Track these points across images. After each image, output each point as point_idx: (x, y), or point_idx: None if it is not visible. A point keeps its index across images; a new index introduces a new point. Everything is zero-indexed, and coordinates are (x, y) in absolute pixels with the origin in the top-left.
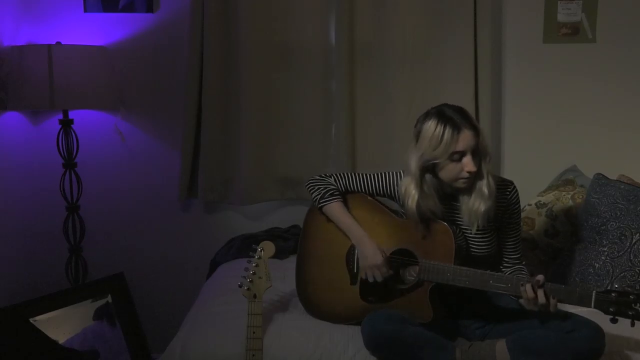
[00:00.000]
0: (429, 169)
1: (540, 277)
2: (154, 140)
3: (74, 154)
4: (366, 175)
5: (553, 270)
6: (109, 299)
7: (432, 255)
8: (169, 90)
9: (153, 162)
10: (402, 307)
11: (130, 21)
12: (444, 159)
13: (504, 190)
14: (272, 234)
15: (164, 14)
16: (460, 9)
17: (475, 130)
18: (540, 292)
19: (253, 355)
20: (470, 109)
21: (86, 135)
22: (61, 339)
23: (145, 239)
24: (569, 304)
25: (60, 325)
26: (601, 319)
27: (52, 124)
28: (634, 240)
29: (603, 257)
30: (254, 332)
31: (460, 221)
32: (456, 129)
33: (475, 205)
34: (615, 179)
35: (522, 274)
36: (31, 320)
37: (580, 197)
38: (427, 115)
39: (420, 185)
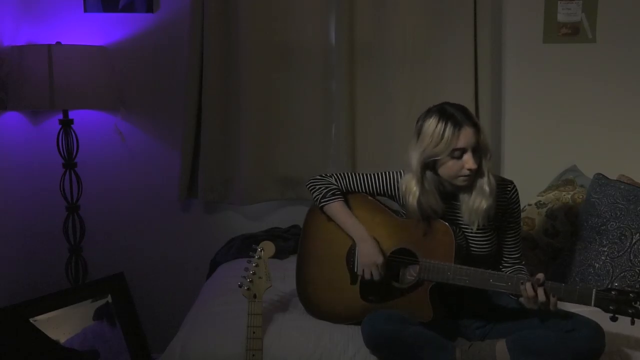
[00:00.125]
0: (429, 166)
1: (540, 276)
2: (154, 140)
3: (74, 154)
4: (366, 175)
5: (553, 270)
6: (109, 299)
7: (432, 255)
8: (169, 90)
9: (153, 162)
10: (402, 306)
11: (130, 21)
12: (445, 156)
13: (504, 190)
14: (272, 234)
15: (164, 14)
16: (460, 9)
17: (476, 127)
18: (541, 291)
19: (253, 355)
20: (470, 108)
21: (86, 135)
22: (61, 339)
23: (145, 239)
24: (569, 302)
25: (60, 325)
26: (601, 318)
27: (52, 124)
28: (634, 240)
29: (603, 257)
30: (254, 332)
31: (461, 220)
32: (457, 126)
33: (476, 203)
34: (615, 179)
35: (522, 273)
36: (31, 320)
37: (580, 197)
38: (428, 113)
39: (421, 182)
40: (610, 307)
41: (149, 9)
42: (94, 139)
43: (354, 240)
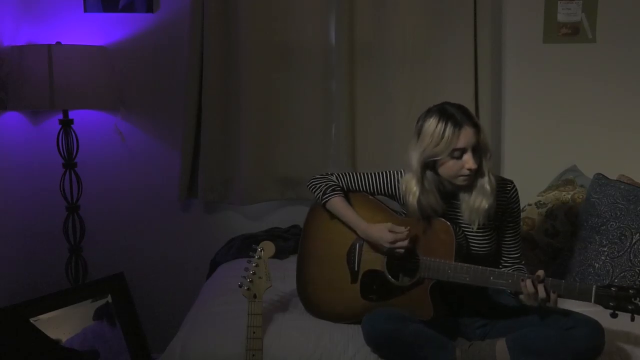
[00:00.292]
0: (429, 165)
1: (540, 273)
2: (154, 140)
3: (74, 154)
4: (367, 174)
5: (553, 270)
6: (109, 299)
7: (432, 253)
8: (169, 90)
9: (153, 162)
10: (403, 305)
11: (130, 21)
12: (445, 156)
13: (504, 189)
14: (272, 234)
15: (164, 14)
16: (460, 9)
17: (476, 127)
18: (541, 287)
19: (253, 355)
20: (470, 108)
21: (86, 135)
22: (61, 339)
23: (145, 239)
24: (569, 299)
25: (60, 325)
26: (601, 317)
27: (52, 124)
28: (634, 240)
29: (603, 257)
30: (254, 332)
31: (461, 220)
32: (457, 125)
33: (477, 203)
34: (615, 179)
35: (522, 273)
36: (31, 320)
37: (580, 197)
38: (428, 113)
39: (422, 181)
40: (610, 304)
41: (149, 9)
42: (94, 139)
43: (354, 239)
